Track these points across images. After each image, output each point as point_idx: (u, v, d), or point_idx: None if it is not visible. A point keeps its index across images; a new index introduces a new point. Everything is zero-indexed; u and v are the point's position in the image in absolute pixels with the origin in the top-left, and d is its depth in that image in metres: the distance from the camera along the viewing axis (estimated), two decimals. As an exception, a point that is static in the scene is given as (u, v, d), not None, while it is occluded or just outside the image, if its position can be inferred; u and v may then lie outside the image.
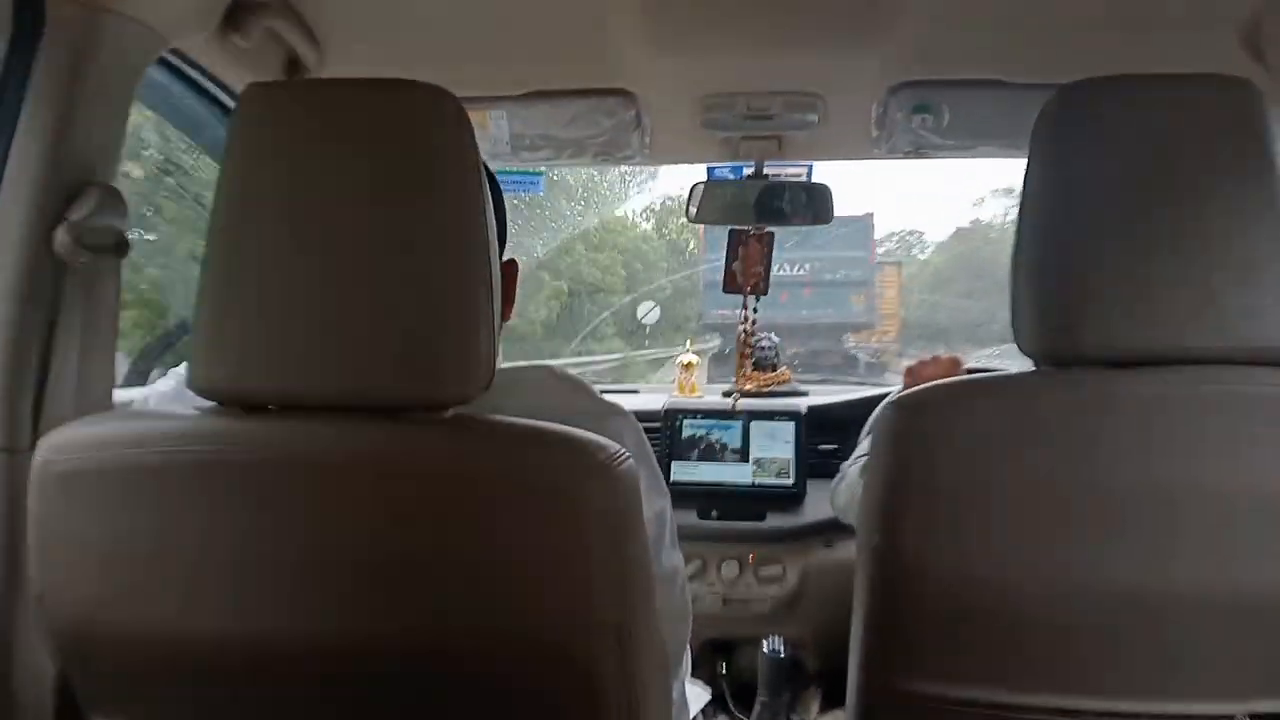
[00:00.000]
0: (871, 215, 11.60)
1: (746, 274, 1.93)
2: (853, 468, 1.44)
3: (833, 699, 1.99)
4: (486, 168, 0.98)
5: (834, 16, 1.27)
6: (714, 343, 8.54)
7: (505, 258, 0.99)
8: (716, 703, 2.02)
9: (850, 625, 0.93)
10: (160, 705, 0.77)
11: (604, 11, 1.25)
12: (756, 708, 1.88)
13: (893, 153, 1.67)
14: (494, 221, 0.75)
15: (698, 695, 1.60)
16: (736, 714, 2.02)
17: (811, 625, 1.98)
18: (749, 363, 2.10)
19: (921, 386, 0.86)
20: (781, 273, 10.67)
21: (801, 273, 10.89)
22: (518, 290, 1.01)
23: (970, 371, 1.48)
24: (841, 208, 1.85)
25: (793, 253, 10.62)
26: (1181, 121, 0.80)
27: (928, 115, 1.49)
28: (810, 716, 1.99)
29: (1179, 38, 1.22)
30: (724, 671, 2.06)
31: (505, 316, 0.98)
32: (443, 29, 1.32)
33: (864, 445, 1.52)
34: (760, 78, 1.47)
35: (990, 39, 1.31)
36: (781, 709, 1.89)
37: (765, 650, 1.87)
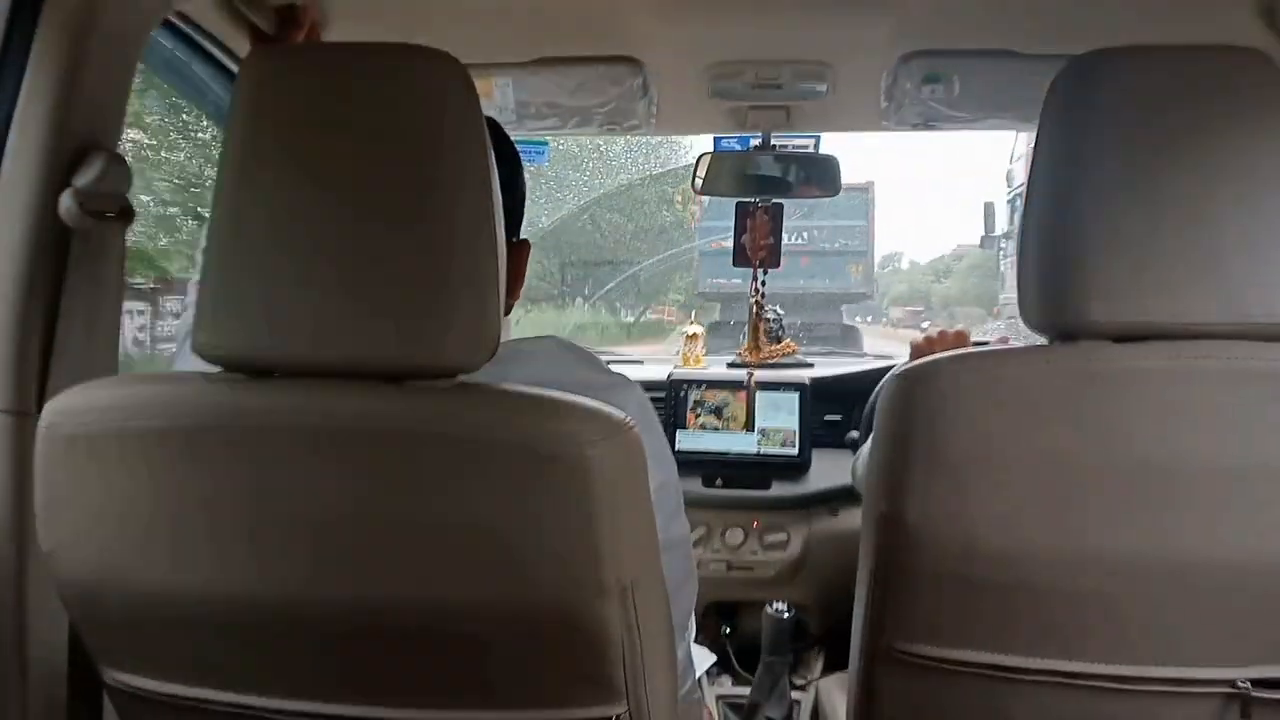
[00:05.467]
0: (872, 184, 11.56)
1: (755, 247, 1.93)
2: (868, 444, 1.44)
3: (835, 661, 2.01)
4: (505, 134, 0.97)
5: None
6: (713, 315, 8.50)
7: (519, 237, 0.98)
8: (720, 664, 2.04)
9: (853, 590, 0.94)
10: (168, 659, 0.78)
11: None
12: (760, 668, 1.90)
13: (901, 124, 1.66)
14: (499, 191, 0.74)
15: (703, 659, 1.62)
16: (740, 673, 2.05)
17: (815, 590, 2.00)
18: (761, 334, 2.09)
19: (926, 359, 0.85)
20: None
21: (800, 241, 10.89)
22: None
23: (977, 344, 1.47)
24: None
25: (791, 222, 10.61)
26: (1193, 94, 0.79)
27: (938, 86, 1.48)
28: (812, 678, 2.02)
29: (1193, 9, 1.20)
30: (728, 634, 2.09)
31: (514, 297, 0.97)
32: None
33: None
34: (769, 46, 1.45)
35: (1002, 8, 1.30)
36: (784, 669, 1.91)
37: (769, 611, 1.89)
